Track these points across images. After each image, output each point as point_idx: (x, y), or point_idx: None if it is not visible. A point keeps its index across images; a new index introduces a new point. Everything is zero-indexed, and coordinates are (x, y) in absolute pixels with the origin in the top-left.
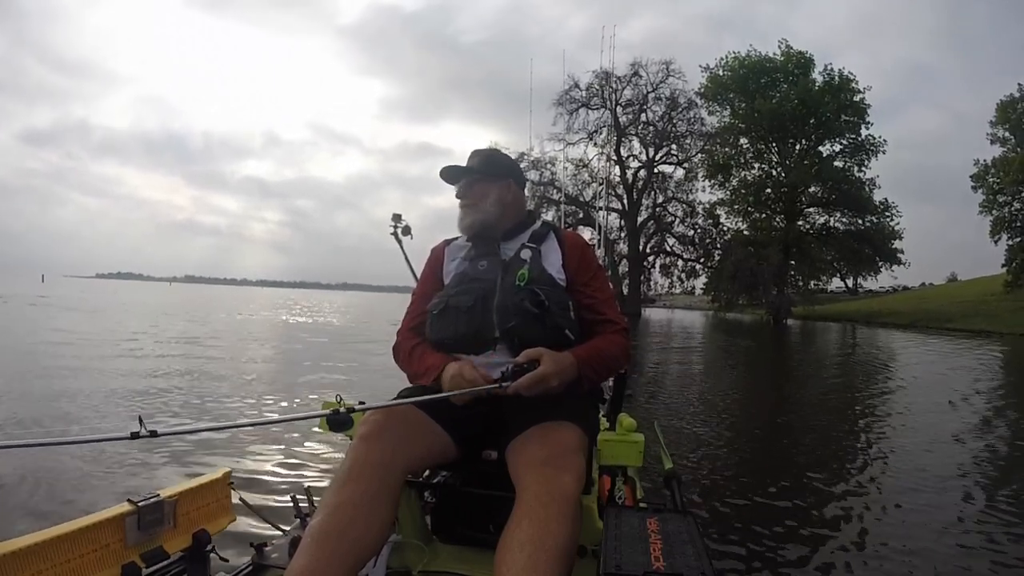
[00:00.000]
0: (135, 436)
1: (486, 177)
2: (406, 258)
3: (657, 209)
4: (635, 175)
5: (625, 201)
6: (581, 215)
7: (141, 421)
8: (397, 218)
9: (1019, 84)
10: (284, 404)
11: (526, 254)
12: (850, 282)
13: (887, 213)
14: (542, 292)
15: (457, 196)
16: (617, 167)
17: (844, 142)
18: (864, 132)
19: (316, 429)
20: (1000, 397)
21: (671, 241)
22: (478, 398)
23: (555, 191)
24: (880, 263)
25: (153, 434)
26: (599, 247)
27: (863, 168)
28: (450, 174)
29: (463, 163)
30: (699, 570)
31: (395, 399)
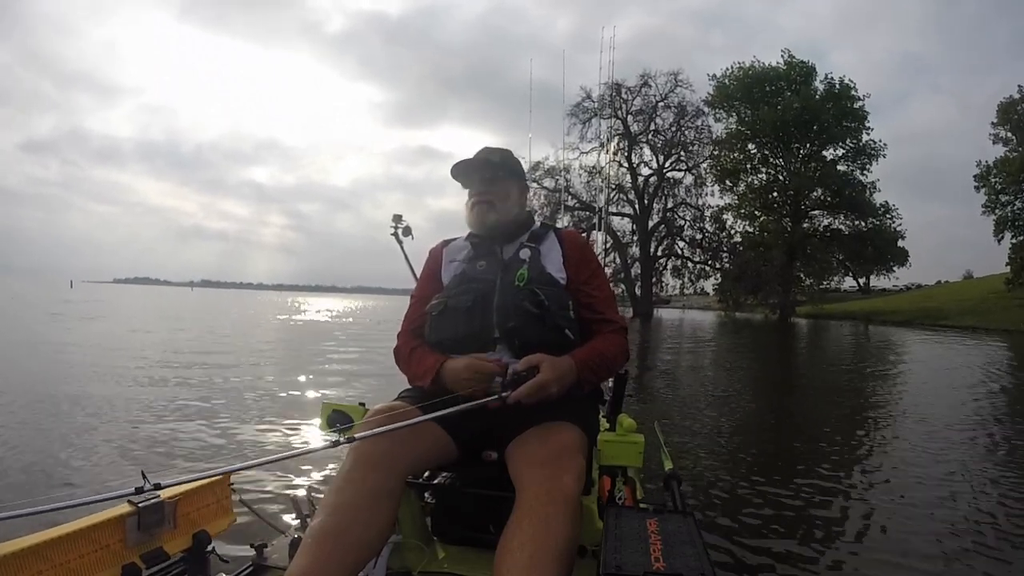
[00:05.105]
0: (139, 491)
1: (510, 175)
2: (407, 259)
3: (667, 214)
4: (646, 181)
5: (637, 206)
6: (595, 220)
7: (144, 475)
8: (398, 219)
9: (1020, 86)
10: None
11: (525, 254)
12: (861, 281)
13: (888, 215)
14: (542, 292)
15: (476, 191)
16: (628, 173)
17: (845, 147)
18: (865, 137)
19: (317, 430)
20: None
21: (681, 244)
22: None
23: (570, 197)
24: (892, 263)
25: (157, 487)
26: (600, 248)
27: (864, 172)
28: (471, 167)
29: None
30: (699, 570)
31: (396, 399)
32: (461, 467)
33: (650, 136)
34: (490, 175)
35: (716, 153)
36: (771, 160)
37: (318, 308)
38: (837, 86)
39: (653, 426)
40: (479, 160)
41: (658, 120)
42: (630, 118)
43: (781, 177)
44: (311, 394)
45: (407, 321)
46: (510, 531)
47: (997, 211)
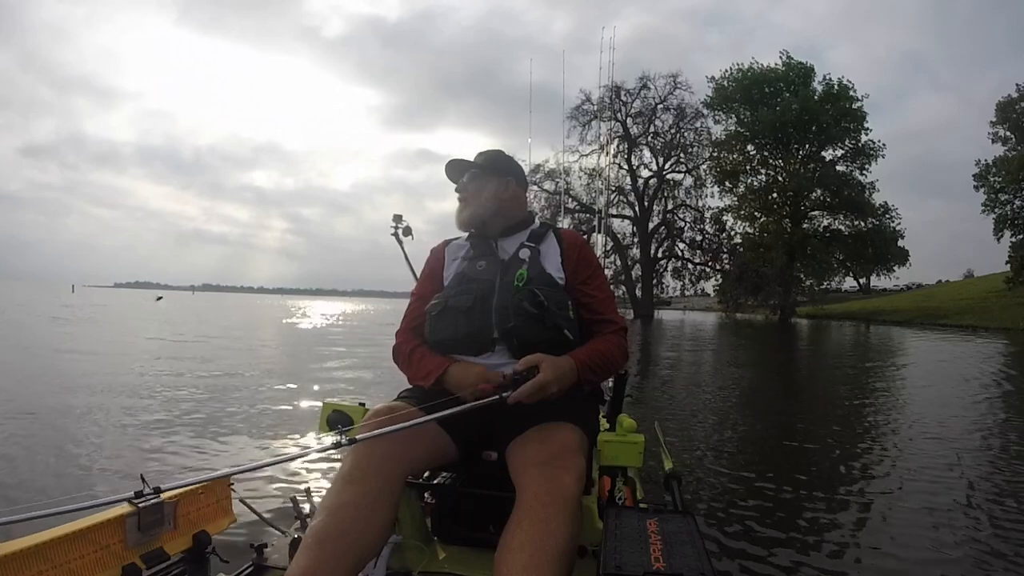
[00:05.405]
0: (139, 495)
1: (485, 172)
2: (407, 259)
3: (667, 215)
4: (646, 183)
5: (637, 208)
6: (595, 222)
7: (144, 479)
8: (398, 218)
9: (1017, 85)
10: None
11: (524, 254)
12: (862, 281)
13: (887, 215)
14: (541, 292)
15: (456, 190)
16: (628, 175)
17: (844, 148)
18: (864, 138)
19: (317, 430)
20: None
21: (681, 246)
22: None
23: (570, 199)
24: (892, 263)
25: (157, 490)
26: (600, 250)
27: (864, 172)
28: (453, 169)
29: None
30: (699, 570)
31: (396, 399)
32: (461, 467)
33: (650, 138)
34: (466, 175)
35: (715, 155)
36: (770, 161)
37: (320, 312)
38: (835, 87)
39: (653, 426)
40: (458, 161)
41: (657, 122)
42: (629, 120)
43: (781, 178)
44: (313, 396)
45: (407, 319)
46: (510, 531)
47: (996, 210)
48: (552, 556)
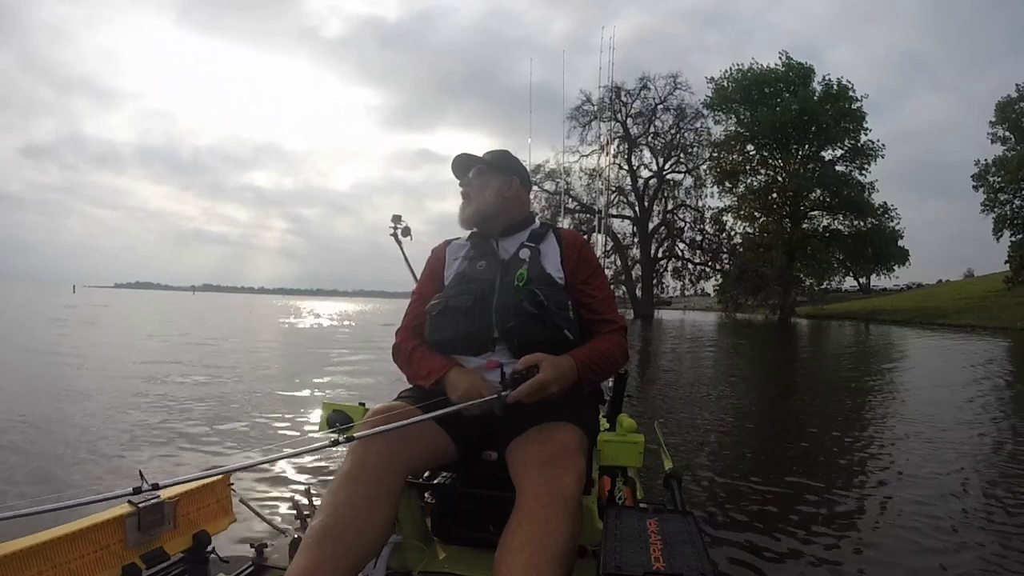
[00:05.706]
0: (137, 491)
1: (490, 169)
2: (406, 259)
3: (667, 215)
4: (646, 183)
5: (637, 208)
6: (595, 223)
7: (142, 475)
8: (397, 219)
9: (1017, 85)
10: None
11: (525, 253)
12: (862, 281)
13: (887, 215)
14: (541, 292)
15: (460, 185)
16: (628, 176)
17: (844, 148)
18: (863, 138)
19: (317, 430)
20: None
21: (681, 246)
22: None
23: (570, 200)
24: (892, 262)
25: (155, 487)
26: (600, 250)
27: (863, 172)
28: (460, 164)
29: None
30: (699, 570)
31: (396, 399)
32: (461, 467)
33: (650, 138)
34: (470, 172)
35: (715, 155)
36: (770, 161)
37: (321, 312)
38: (835, 87)
39: (653, 426)
40: (465, 155)
41: (657, 122)
42: (629, 121)
43: (780, 178)
44: (314, 397)
45: (407, 318)
46: (510, 531)
47: (996, 210)
48: (552, 556)
